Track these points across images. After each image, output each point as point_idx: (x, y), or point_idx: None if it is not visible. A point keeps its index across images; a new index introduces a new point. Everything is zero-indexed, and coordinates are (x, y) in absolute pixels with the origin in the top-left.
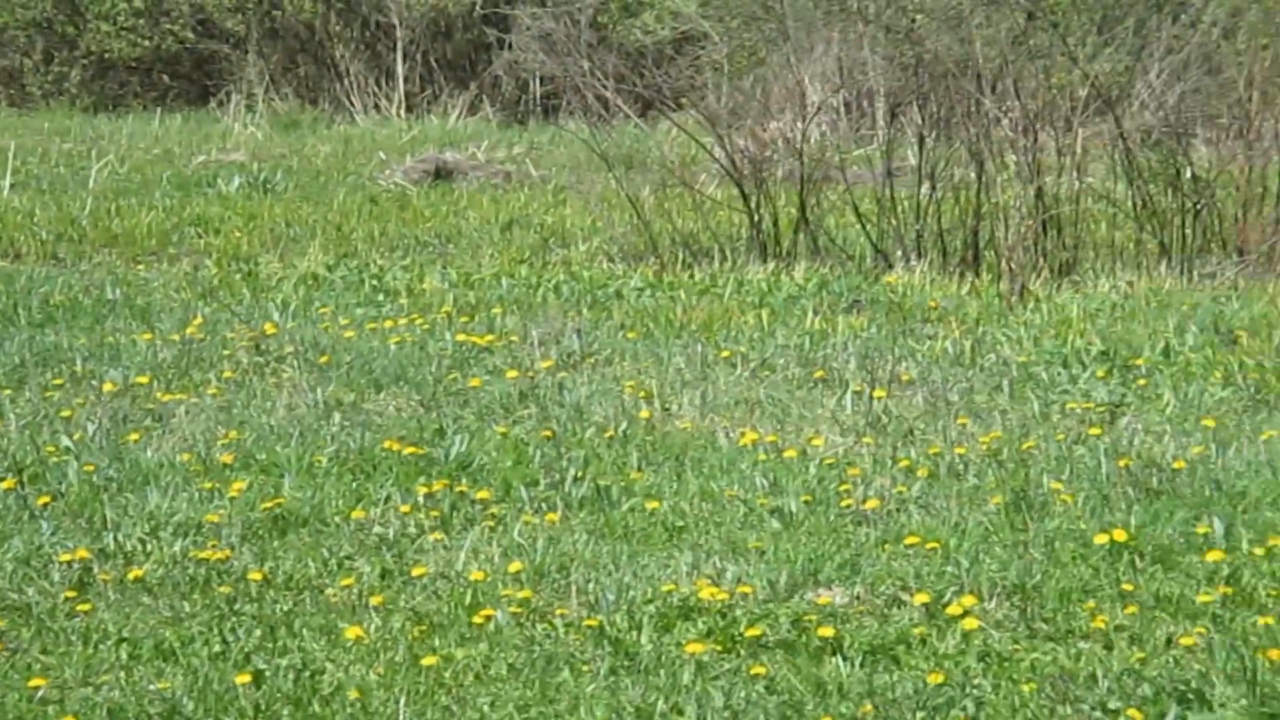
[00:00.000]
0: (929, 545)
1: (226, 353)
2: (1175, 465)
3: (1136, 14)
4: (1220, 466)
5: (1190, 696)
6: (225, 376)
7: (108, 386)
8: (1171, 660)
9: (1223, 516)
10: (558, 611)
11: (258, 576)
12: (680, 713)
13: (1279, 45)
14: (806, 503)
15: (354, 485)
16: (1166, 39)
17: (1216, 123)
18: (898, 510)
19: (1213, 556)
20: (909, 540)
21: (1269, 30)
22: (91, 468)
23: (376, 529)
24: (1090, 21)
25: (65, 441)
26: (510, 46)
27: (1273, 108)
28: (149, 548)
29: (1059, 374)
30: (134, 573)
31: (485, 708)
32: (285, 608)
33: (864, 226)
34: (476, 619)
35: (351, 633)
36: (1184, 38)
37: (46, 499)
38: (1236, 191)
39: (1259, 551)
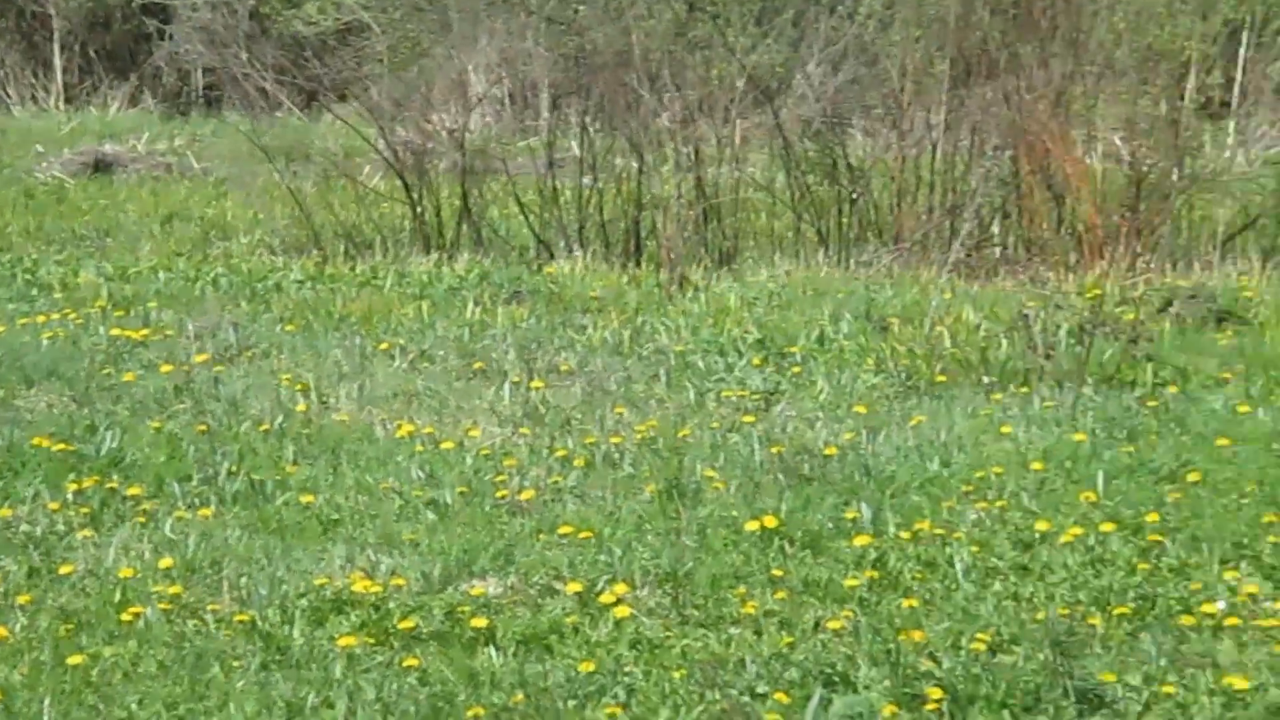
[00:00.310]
0: (583, 534)
1: None
2: (827, 452)
3: (795, 6)
4: (870, 452)
5: (836, 679)
6: None
7: None
8: (819, 644)
9: (871, 502)
10: (209, 607)
11: None
12: (331, 706)
13: (930, 37)
14: (462, 494)
15: (1, 483)
16: (825, 31)
17: (873, 113)
18: (553, 500)
19: (860, 541)
20: (563, 530)
21: (922, 23)
22: None
23: (24, 527)
24: (749, 13)
25: None
26: (170, 37)
27: (925, 99)
28: None
29: (716, 362)
30: None
31: (133, 706)
32: None
33: (526, 217)
34: (125, 616)
35: None
36: (841, 30)
37: None
38: (892, 181)
39: (905, 535)
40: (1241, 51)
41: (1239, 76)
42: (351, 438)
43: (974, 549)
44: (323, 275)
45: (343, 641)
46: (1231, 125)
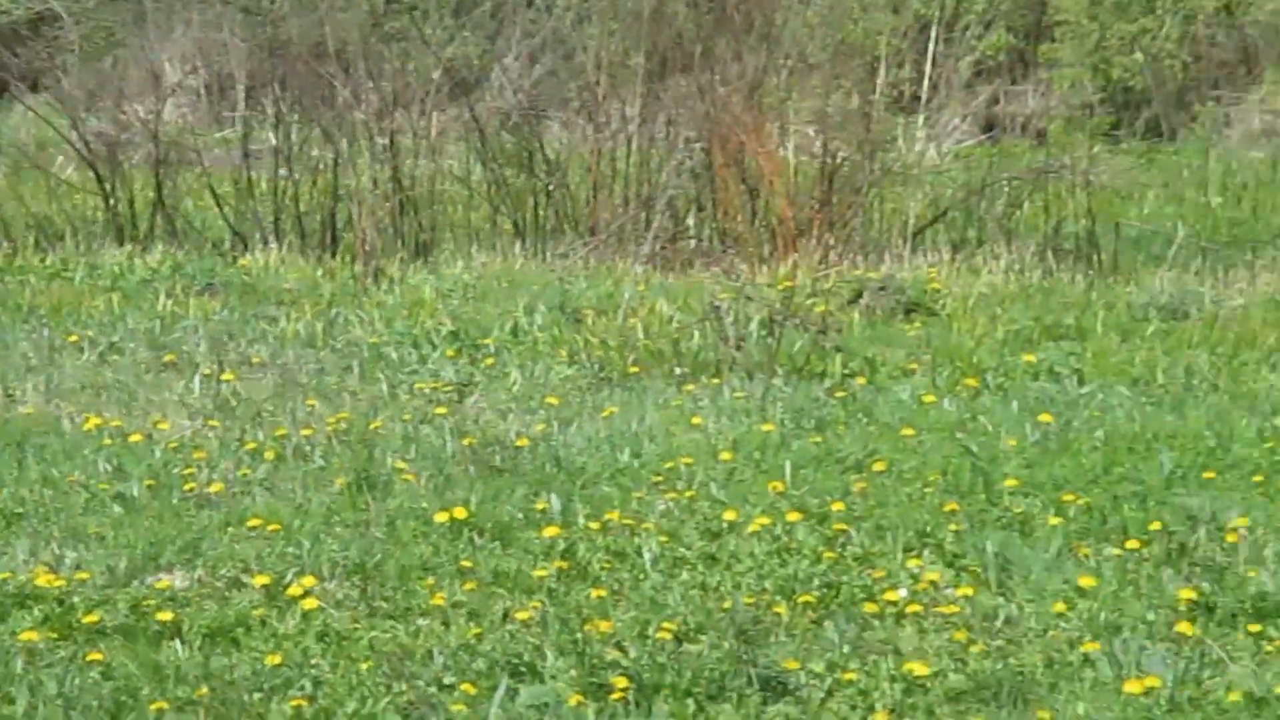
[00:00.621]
0: (271, 527)
1: None
2: (518, 443)
3: None
4: (562, 443)
5: (523, 670)
6: None
7: None
8: (507, 635)
9: (561, 493)
10: None
11: None
12: (11, 701)
13: (626, 31)
14: (150, 487)
15: None
16: (522, 24)
17: (569, 106)
18: (242, 493)
19: (550, 532)
20: (252, 522)
21: (618, 16)
22: None
23: None
24: (446, 6)
25: None
26: None
27: (621, 92)
28: None
29: (409, 354)
30: None
31: None
32: None
33: (221, 209)
34: None
35: None
36: (539, 23)
37: None
38: (588, 173)
39: (594, 526)
40: (931, 46)
41: (928, 71)
42: (38, 431)
43: (662, 539)
44: (11, 267)
45: (24, 636)
46: (921, 119)
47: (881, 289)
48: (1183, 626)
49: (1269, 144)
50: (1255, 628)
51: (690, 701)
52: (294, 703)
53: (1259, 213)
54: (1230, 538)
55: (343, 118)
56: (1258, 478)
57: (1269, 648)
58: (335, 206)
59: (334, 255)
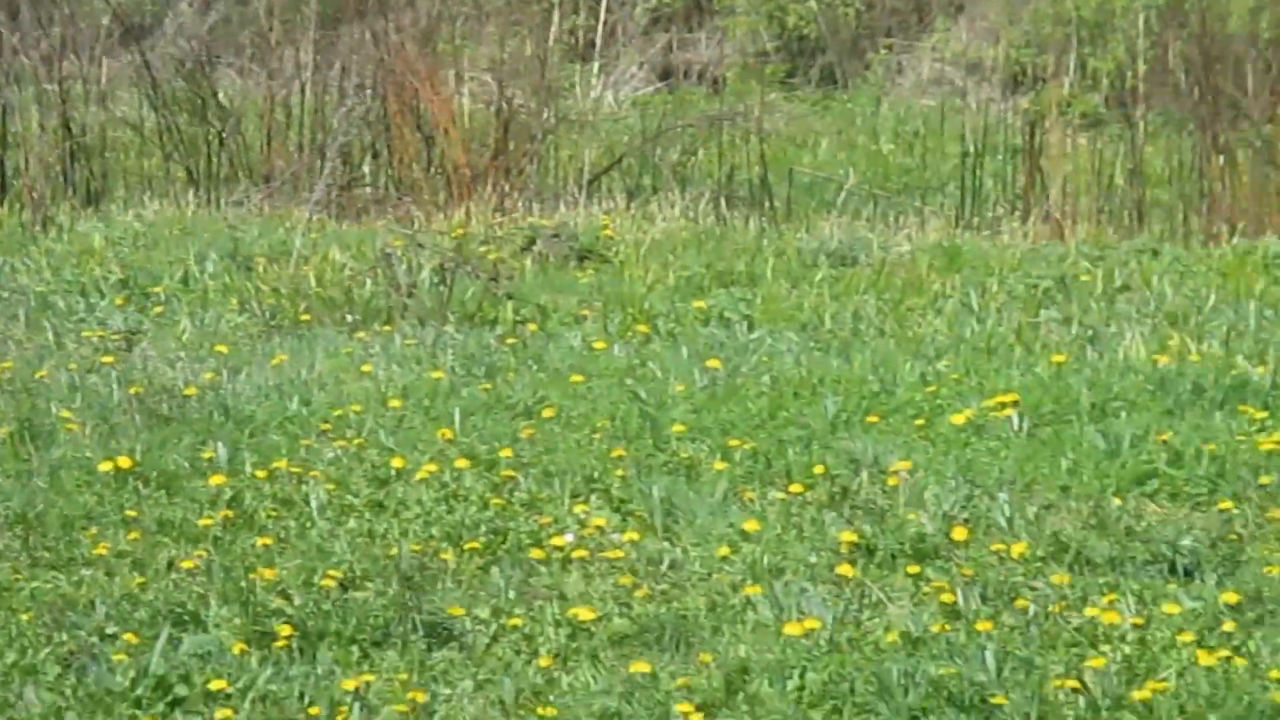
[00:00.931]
0: None
1: None
2: (186, 391)
3: None
4: (231, 392)
5: (186, 618)
6: None
7: None
8: (171, 584)
9: (228, 441)
10: None
11: None
12: None
13: None
14: None
15: None
16: None
17: (244, 53)
18: None
19: (216, 480)
20: None
21: None
22: None
23: None
24: None
25: None
26: None
27: (295, 38)
28: None
29: (77, 302)
30: None
31: None
32: None
33: None
34: None
35: None
36: None
37: None
38: (262, 120)
39: (261, 474)
40: None
41: (604, 18)
42: None
43: (330, 487)
44: None
45: None
46: (597, 67)
47: (555, 236)
48: (843, 569)
49: (939, 91)
50: (914, 569)
51: (355, 648)
52: None
53: (929, 160)
54: (891, 481)
55: (10, 64)
56: (919, 421)
57: (926, 589)
58: (3, 153)
59: (2, 203)
